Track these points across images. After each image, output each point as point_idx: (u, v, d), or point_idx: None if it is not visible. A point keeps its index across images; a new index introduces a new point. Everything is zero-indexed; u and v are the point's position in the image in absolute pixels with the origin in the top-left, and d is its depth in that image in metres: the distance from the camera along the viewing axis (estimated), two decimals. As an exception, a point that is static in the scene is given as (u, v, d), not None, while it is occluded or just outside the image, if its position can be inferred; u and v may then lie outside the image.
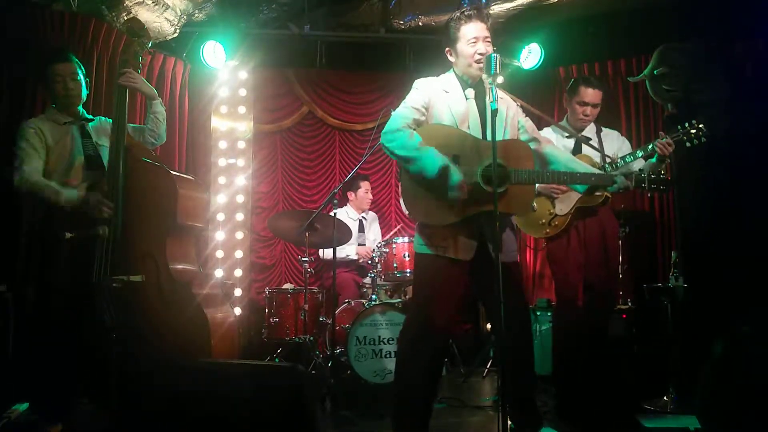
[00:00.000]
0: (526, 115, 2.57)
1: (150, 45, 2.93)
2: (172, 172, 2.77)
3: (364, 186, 4.75)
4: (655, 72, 4.03)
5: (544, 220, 3.13)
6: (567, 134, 3.19)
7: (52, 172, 2.77)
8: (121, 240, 2.60)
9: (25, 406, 2.76)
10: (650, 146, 2.87)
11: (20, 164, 2.71)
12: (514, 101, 2.53)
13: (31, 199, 3.27)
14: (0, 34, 3.44)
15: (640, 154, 2.94)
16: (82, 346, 2.58)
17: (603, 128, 3.28)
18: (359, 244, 4.67)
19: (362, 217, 4.80)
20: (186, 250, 2.78)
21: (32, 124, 2.79)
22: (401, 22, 4.51)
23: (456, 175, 2.20)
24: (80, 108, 2.93)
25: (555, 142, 3.13)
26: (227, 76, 4.86)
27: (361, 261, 4.57)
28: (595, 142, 3.19)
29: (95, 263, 2.55)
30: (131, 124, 2.95)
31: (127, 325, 2.49)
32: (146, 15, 3.84)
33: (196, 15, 4.15)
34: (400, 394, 2.40)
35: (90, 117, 2.94)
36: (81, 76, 2.89)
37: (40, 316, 2.77)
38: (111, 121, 2.83)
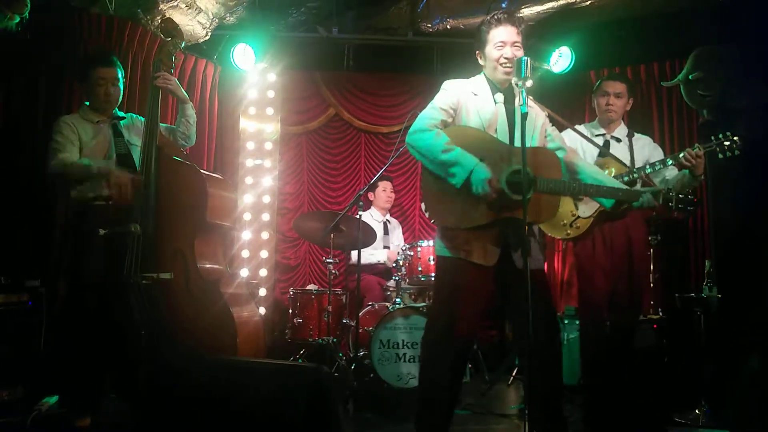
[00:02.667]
0: (553, 125, 2.53)
1: (183, 45, 2.98)
2: (203, 171, 2.81)
3: (382, 185, 4.73)
4: (690, 76, 3.93)
5: (565, 221, 3.09)
6: (598, 133, 3.14)
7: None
8: (151, 237, 2.64)
9: (54, 399, 2.83)
10: (681, 155, 2.82)
11: (54, 153, 2.77)
12: (543, 110, 2.50)
13: (65, 192, 3.34)
14: (40, 36, 3.55)
15: (670, 162, 2.88)
16: (112, 341, 2.63)
17: (636, 133, 3.22)
18: (384, 247, 4.67)
19: (386, 220, 4.80)
20: (214, 249, 2.81)
21: (67, 120, 2.86)
22: (429, 26, 4.51)
23: (483, 171, 2.17)
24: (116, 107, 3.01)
25: (581, 147, 3.09)
26: (256, 78, 4.91)
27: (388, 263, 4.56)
28: (625, 145, 3.14)
29: (126, 260, 2.60)
30: (163, 124, 3.01)
31: (155, 321, 2.53)
32: (179, 18, 3.91)
33: (228, 18, 4.21)
34: (423, 397, 2.38)
35: (122, 115, 3.00)
36: (121, 81, 2.96)
37: (71, 310, 2.84)
38: (143, 119, 2.89)
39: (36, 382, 2.91)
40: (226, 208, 2.83)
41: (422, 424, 2.35)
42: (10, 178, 3.44)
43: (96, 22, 3.73)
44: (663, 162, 2.90)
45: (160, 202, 2.68)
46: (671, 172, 2.99)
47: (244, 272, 4.72)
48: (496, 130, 2.33)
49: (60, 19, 3.64)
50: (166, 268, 2.62)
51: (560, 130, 2.63)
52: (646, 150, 3.17)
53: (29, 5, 3.02)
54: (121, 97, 2.98)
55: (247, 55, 4.40)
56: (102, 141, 2.87)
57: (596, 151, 3.09)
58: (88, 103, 2.96)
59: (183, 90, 2.99)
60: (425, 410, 2.35)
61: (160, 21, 2.92)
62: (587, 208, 3.04)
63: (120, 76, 2.95)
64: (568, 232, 3.09)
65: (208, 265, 2.72)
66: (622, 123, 3.23)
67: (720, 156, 2.82)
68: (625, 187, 2.51)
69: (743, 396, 2.40)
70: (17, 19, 3.04)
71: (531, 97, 2.45)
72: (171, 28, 2.90)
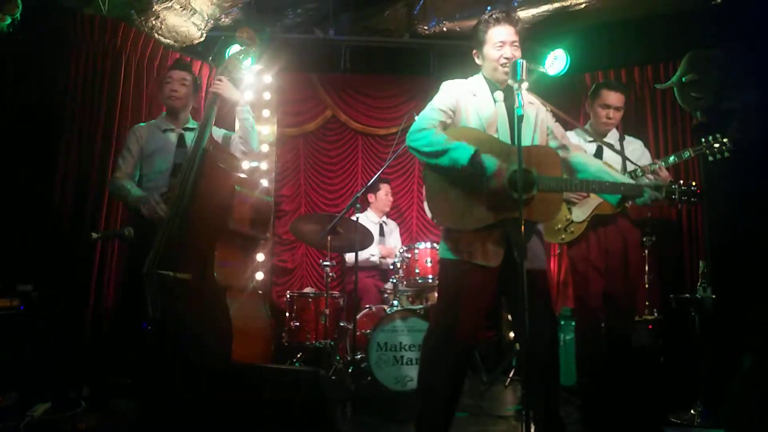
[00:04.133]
0: (556, 121, 2.52)
1: (257, 55, 3.09)
2: (242, 176, 2.82)
3: (384, 188, 4.75)
4: (683, 79, 3.95)
5: (560, 226, 3.10)
6: (590, 139, 3.15)
7: (143, 175, 2.97)
8: (176, 236, 2.64)
9: (47, 404, 2.81)
10: (651, 167, 2.84)
11: (115, 170, 3.00)
12: (544, 106, 2.48)
13: (58, 200, 3.37)
14: (34, 36, 3.52)
15: (649, 169, 2.90)
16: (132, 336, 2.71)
17: (626, 136, 3.22)
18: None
19: (383, 222, 4.79)
20: (234, 256, 2.78)
21: (135, 130, 3.06)
22: (425, 27, 4.51)
23: (490, 161, 2.16)
24: (189, 117, 3.11)
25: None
26: (252, 79, 4.88)
27: (383, 261, 4.54)
28: (617, 150, 3.15)
29: (150, 255, 2.62)
30: (224, 131, 3.12)
31: (167, 319, 2.54)
32: (174, 19, 3.89)
33: (223, 19, 4.19)
34: (423, 400, 2.36)
35: (193, 126, 3.07)
36: (193, 83, 3.08)
37: (76, 312, 2.85)
38: (221, 129, 3.07)
39: (29, 387, 2.88)
40: (254, 217, 2.81)
41: (422, 426, 2.33)
42: (2, 182, 3.40)
43: (89, 23, 3.70)
44: (643, 169, 2.92)
45: (194, 204, 2.68)
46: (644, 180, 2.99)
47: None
48: (496, 130, 2.32)
49: (52, 20, 3.62)
50: (185, 269, 2.61)
51: (565, 129, 2.62)
52: (637, 153, 3.18)
53: (21, 6, 3.00)
54: (189, 98, 3.06)
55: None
56: (165, 150, 2.97)
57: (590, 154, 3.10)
58: (166, 113, 3.09)
59: (236, 92, 2.99)
60: (426, 413, 2.33)
61: (238, 32, 3.00)
62: (581, 213, 3.04)
63: (191, 79, 3.07)
64: (563, 236, 3.10)
65: (223, 271, 2.69)
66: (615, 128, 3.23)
67: (710, 158, 2.84)
68: (628, 181, 2.48)
69: (738, 396, 2.41)
70: (8, 20, 3.03)
71: (534, 94, 2.45)
72: (246, 38, 2.95)
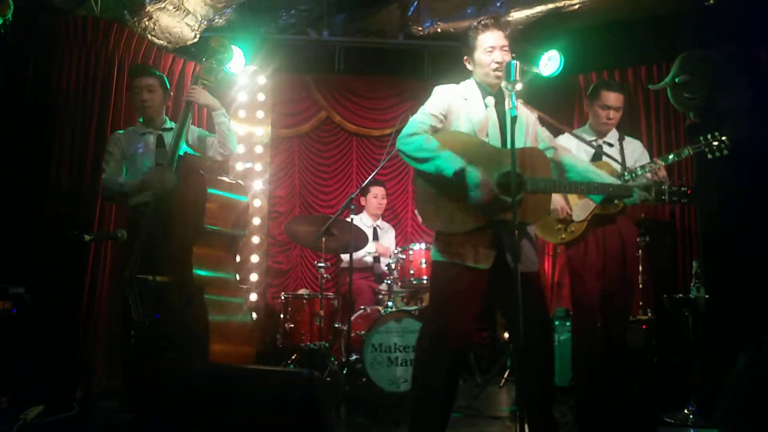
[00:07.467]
0: (543, 126, 2.55)
1: (229, 60, 3.12)
2: (222, 178, 2.87)
3: (374, 191, 4.68)
4: (676, 80, 3.97)
5: (560, 226, 3.10)
6: (590, 139, 3.16)
7: (129, 178, 3.04)
8: (154, 241, 2.70)
9: (40, 408, 2.80)
10: (646, 166, 2.86)
11: (103, 173, 3.08)
12: (532, 112, 2.51)
13: (50, 202, 3.36)
14: (26, 38, 3.50)
15: (640, 172, 2.92)
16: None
17: (626, 136, 3.23)
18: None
19: (377, 225, 4.78)
20: (216, 256, 2.82)
21: (114, 135, 3.16)
22: (420, 29, 4.51)
23: (474, 175, 2.19)
24: (165, 118, 3.18)
25: (575, 150, 3.09)
26: (246, 80, 4.88)
27: (377, 265, 4.54)
28: (617, 149, 3.16)
29: (131, 259, 2.68)
30: (200, 131, 3.21)
31: (151, 322, 2.58)
32: (167, 20, 3.88)
33: (216, 20, 4.18)
34: (417, 402, 2.37)
35: (171, 126, 3.15)
36: (162, 87, 3.13)
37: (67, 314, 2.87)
38: (193, 128, 3.14)
39: (22, 390, 2.87)
40: (230, 214, 2.85)
41: (417, 428, 2.33)
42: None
43: (81, 24, 3.69)
44: (643, 167, 2.93)
45: (171, 208, 2.76)
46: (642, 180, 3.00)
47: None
48: (487, 134, 2.34)
49: (44, 21, 3.60)
50: (164, 272, 2.65)
51: (555, 134, 2.65)
52: (636, 153, 3.19)
53: (12, 7, 2.99)
54: (162, 101, 3.13)
55: (236, 58, 4.36)
56: (145, 152, 3.06)
57: (588, 156, 3.11)
58: (141, 120, 3.17)
59: (211, 98, 3.07)
60: (420, 414, 2.34)
61: (210, 41, 3.08)
62: (581, 212, 3.05)
63: (158, 83, 3.11)
64: (563, 236, 3.10)
65: (203, 271, 2.72)
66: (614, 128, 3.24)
67: (709, 156, 2.86)
68: (616, 182, 2.51)
69: (732, 396, 2.42)
70: (0, 21, 3.01)
71: (521, 100, 2.47)
72: (217, 47, 3.01)
